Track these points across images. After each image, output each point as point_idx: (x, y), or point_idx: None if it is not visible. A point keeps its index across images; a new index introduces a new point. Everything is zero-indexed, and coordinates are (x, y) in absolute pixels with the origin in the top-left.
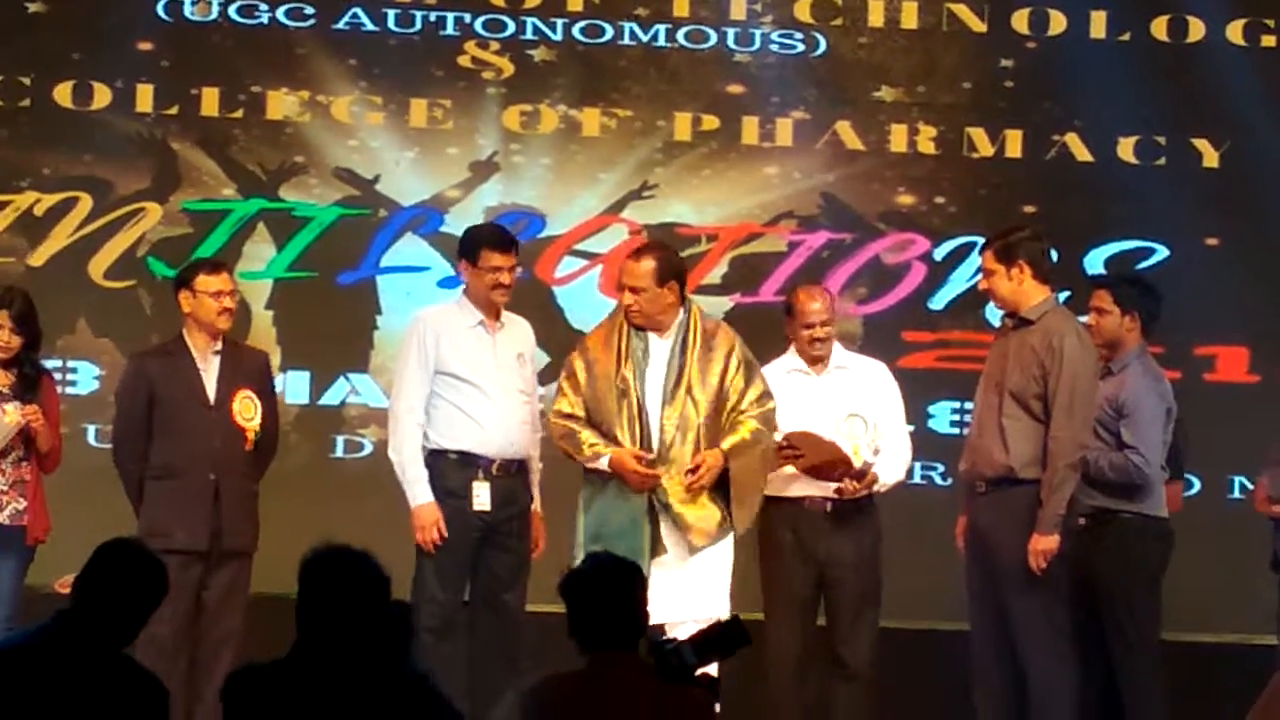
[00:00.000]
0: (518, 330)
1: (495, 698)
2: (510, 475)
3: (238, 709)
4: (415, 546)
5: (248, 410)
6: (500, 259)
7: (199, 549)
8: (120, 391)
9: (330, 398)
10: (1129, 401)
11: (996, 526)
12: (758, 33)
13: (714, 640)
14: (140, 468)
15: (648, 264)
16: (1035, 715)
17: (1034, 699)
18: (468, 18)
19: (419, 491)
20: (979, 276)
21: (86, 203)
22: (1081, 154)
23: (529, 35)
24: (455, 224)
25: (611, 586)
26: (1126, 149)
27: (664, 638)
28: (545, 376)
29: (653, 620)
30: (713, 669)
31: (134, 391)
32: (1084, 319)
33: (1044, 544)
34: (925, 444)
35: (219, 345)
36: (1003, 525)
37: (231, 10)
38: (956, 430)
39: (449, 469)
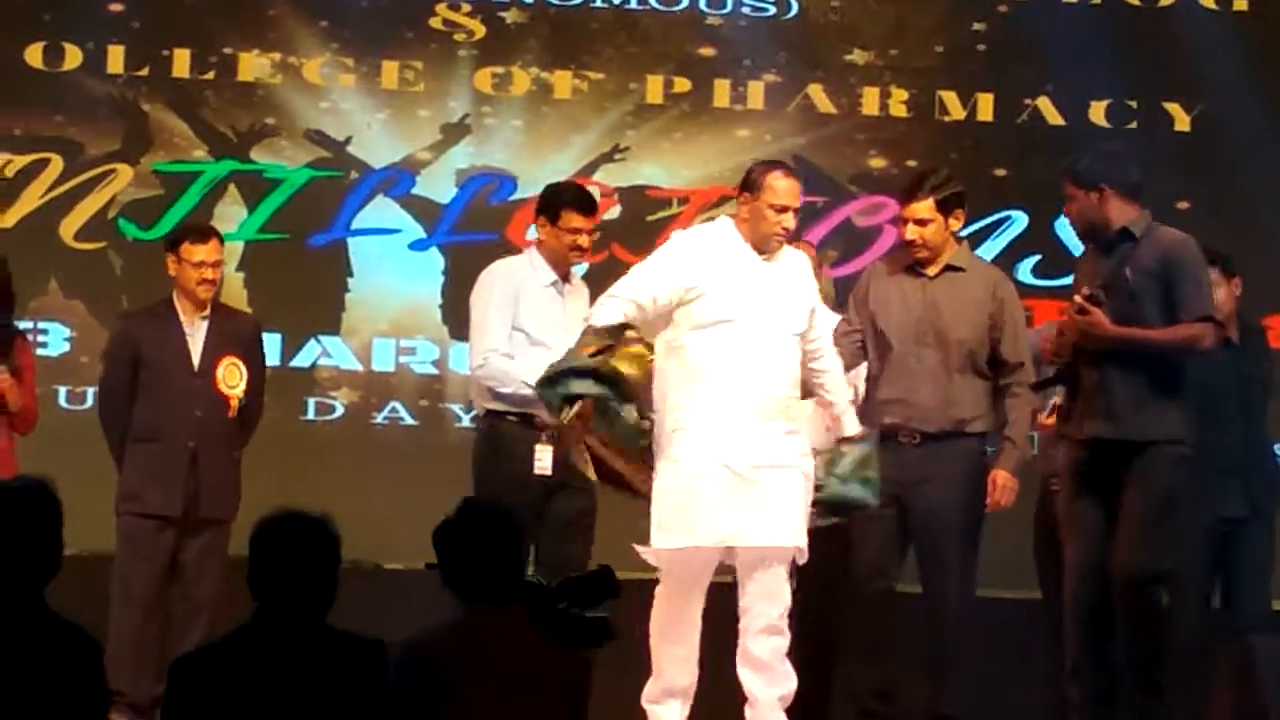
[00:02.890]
0: (582, 293)
1: None
2: None
3: (180, 695)
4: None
5: (232, 377)
6: (582, 221)
7: (172, 514)
8: (107, 352)
9: (301, 360)
10: None
11: (945, 478)
12: None
13: (584, 589)
14: (123, 428)
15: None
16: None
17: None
18: None
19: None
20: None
21: (57, 164)
22: (1053, 118)
23: None
24: (426, 186)
25: (487, 537)
26: (1098, 113)
27: (538, 583)
28: None
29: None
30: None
31: (119, 352)
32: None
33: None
34: None
35: (207, 311)
36: (953, 477)
37: None
38: None
39: (510, 431)
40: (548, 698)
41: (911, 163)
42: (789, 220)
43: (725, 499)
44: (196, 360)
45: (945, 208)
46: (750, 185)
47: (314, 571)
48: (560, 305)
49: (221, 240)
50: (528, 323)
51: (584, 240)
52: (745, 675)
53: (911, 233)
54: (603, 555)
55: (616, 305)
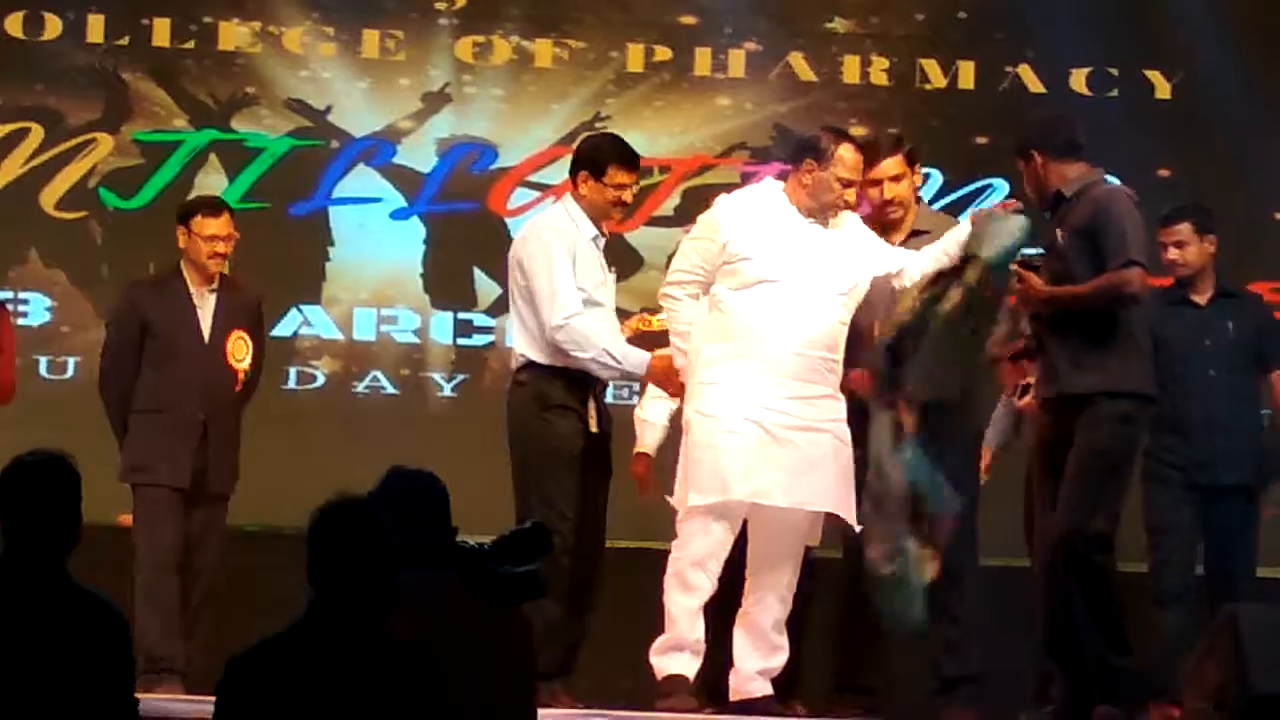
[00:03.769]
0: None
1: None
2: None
3: (236, 694)
4: (525, 466)
5: (240, 351)
6: (626, 176)
7: (181, 486)
8: (111, 320)
9: (283, 329)
10: None
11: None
12: None
13: (514, 545)
14: (126, 398)
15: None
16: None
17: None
18: None
19: (637, 358)
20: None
21: (38, 133)
22: (1034, 85)
23: None
24: (407, 155)
25: (414, 504)
26: (1079, 80)
27: (470, 547)
28: (497, 308)
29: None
30: None
31: (126, 321)
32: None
33: None
34: None
35: (215, 283)
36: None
37: None
38: None
39: (559, 388)
40: (490, 662)
41: (892, 131)
42: (851, 194)
43: (755, 455)
44: (206, 333)
45: (910, 161)
46: (819, 154)
47: (373, 565)
48: (602, 261)
49: (233, 213)
50: (585, 281)
51: (628, 195)
52: (738, 638)
53: (889, 191)
54: (626, 523)
55: (681, 305)
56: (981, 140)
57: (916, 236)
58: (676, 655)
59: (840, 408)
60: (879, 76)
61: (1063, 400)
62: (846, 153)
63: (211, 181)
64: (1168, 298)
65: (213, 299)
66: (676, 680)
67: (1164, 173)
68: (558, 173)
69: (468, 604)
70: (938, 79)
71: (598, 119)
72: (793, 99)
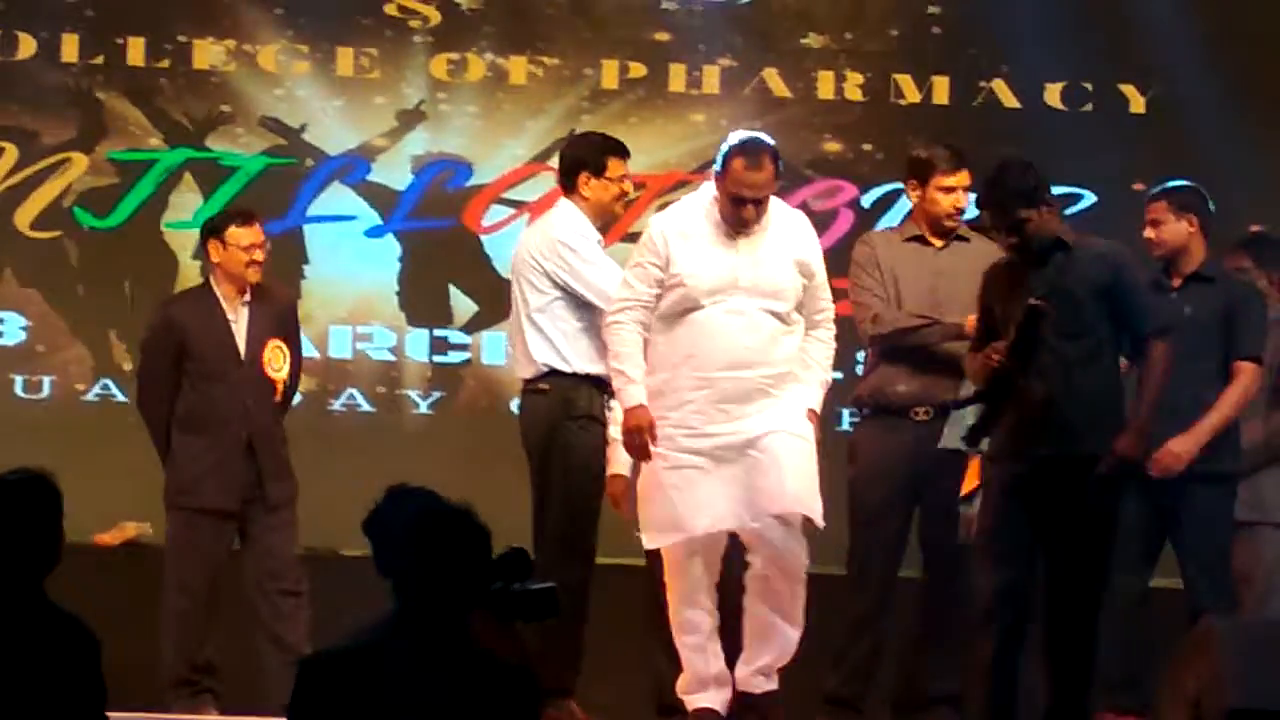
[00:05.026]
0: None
1: None
2: None
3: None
4: (550, 478)
5: (277, 361)
6: (624, 166)
7: (230, 508)
8: (147, 341)
9: None
10: None
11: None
12: None
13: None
14: (167, 415)
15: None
16: None
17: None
18: None
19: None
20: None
21: (12, 153)
22: (1009, 100)
23: None
24: (382, 173)
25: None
26: (1054, 95)
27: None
28: (473, 325)
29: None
30: None
31: (162, 343)
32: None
33: None
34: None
35: (247, 295)
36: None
37: None
38: None
39: (585, 393)
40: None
41: (867, 146)
42: (750, 211)
43: (706, 486)
44: (242, 347)
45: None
46: (721, 168)
47: (465, 572)
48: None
49: (261, 222)
50: None
51: (629, 185)
52: (746, 634)
53: (962, 200)
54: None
55: (621, 330)
56: None
57: (958, 241)
58: (700, 692)
59: (796, 407)
60: (853, 92)
61: (1070, 459)
62: (736, 165)
63: (186, 200)
64: (1149, 279)
65: (246, 311)
66: (704, 714)
67: (1139, 186)
68: (533, 190)
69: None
70: (912, 94)
71: (572, 136)
72: (767, 115)
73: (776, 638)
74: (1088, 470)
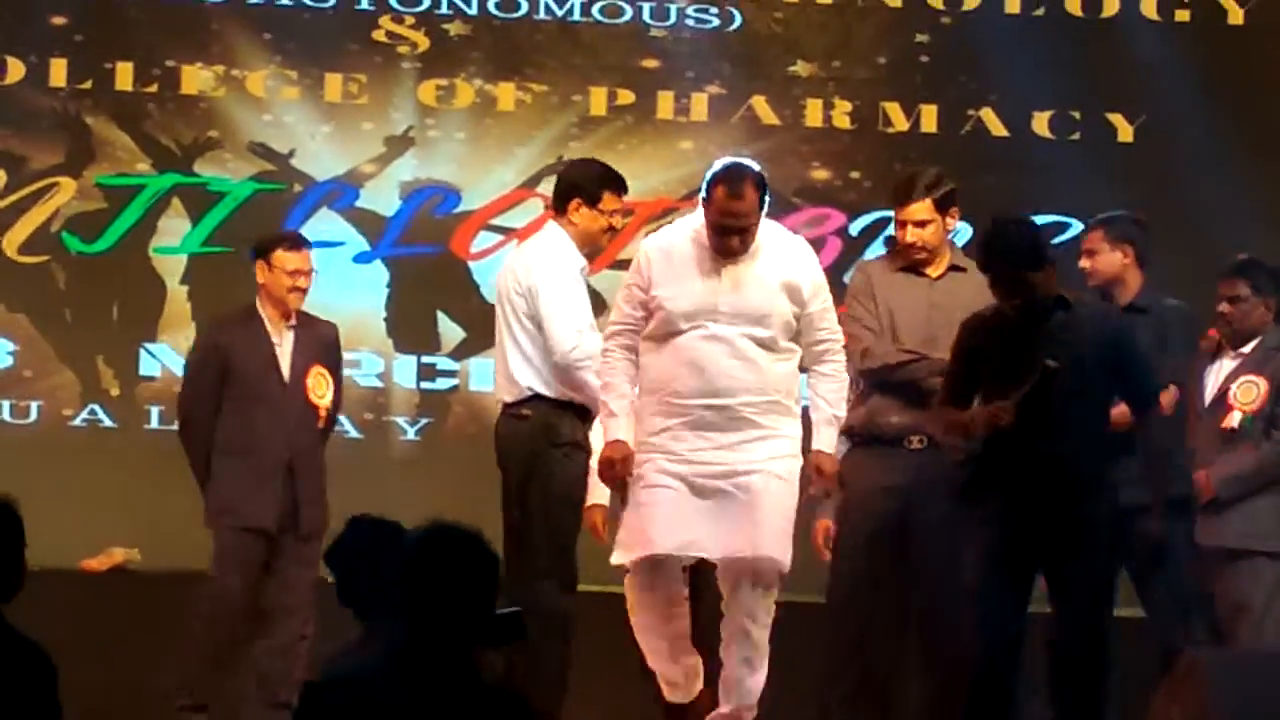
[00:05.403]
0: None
1: None
2: None
3: None
4: (530, 504)
5: (320, 387)
6: (618, 201)
7: (267, 527)
8: (191, 362)
9: None
10: None
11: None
12: (673, 7)
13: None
14: (207, 443)
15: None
16: None
17: None
18: None
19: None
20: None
21: (0, 178)
22: (997, 128)
23: (444, 10)
24: (370, 199)
25: (379, 551)
26: (1041, 123)
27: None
28: (461, 351)
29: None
30: None
31: (206, 363)
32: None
33: None
34: None
35: (293, 319)
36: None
37: None
38: None
39: (568, 421)
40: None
41: (855, 174)
42: (734, 241)
43: (681, 509)
44: (287, 370)
45: (942, 207)
46: (705, 195)
47: (475, 596)
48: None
49: (311, 248)
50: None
51: (618, 221)
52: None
53: (911, 235)
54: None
55: (609, 358)
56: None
57: (955, 271)
58: (671, 689)
59: (781, 445)
60: (841, 120)
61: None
62: (718, 193)
63: (174, 225)
64: None
65: (291, 335)
66: (674, 710)
67: None
68: (521, 216)
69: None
70: (900, 122)
71: (560, 162)
72: (756, 142)
73: (739, 688)
74: (1093, 527)
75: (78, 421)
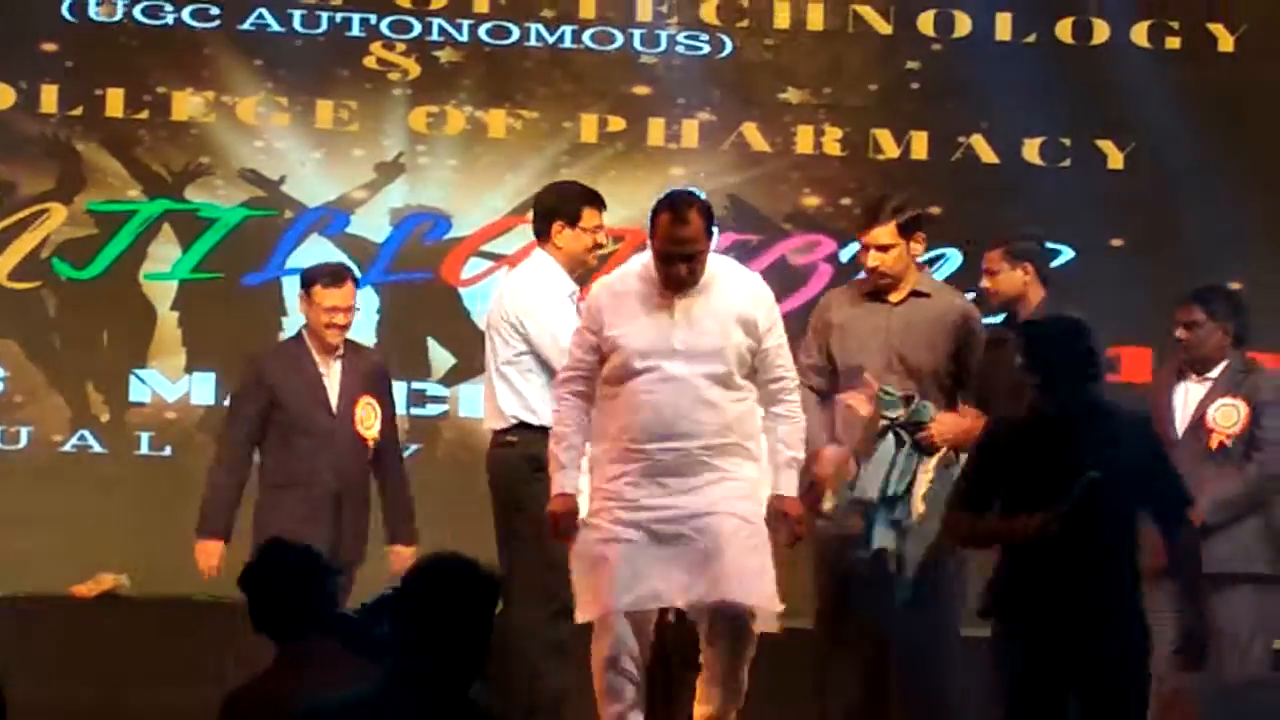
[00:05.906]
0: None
1: None
2: None
3: None
4: (516, 530)
5: (368, 418)
6: (599, 217)
7: None
8: (237, 394)
9: None
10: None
11: None
12: (664, 34)
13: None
14: (242, 478)
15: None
16: None
17: None
18: (373, 19)
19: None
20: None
21: None
22: (987, 155)
23: (435, 36)
24: (361, 225)
25: (291, 574)
26: (1032, 150)
27: (346, 613)
28: (451, 377)
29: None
30: None
31: (252, 394)
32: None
33: None
34: None
35: (340, 349)
36: None
37: (136, 11)
38: None
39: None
40: None
41: (845, 201)
42: (682, 269)
43: (640, 561)
44: (334, 401)
45: (906, 232)
46: (650, 223)
47: (470, 629)
48: (574, 316)
49: (356, 283)
50: (564, 340)
51: (603, 236)
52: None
53: (873, 259)
54: None
55: (561, 406)
56: (934, 210)
57: (916, 298)
58: None
59: (738, 487)
60: (832, 146)
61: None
62: (662, 220)
63: (165, 251)
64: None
65: (337, 366)
66: None
67: (1116, 243)
68: (511, 243)
69: (351, 665)
70: (891, 149)
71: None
72: (746, 169)
73: None
74: (1129, 653)
75: (68, 447)
